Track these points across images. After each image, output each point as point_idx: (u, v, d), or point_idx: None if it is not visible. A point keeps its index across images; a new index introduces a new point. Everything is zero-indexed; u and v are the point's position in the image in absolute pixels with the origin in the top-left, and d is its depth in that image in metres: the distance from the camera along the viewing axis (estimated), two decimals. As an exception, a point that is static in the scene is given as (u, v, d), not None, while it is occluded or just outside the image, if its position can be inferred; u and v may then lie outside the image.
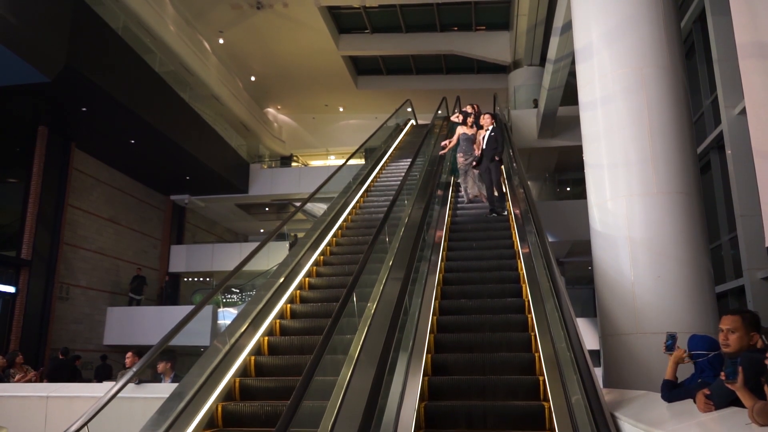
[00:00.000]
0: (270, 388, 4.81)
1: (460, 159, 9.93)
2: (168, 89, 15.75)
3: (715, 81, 10.16)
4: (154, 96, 15.04)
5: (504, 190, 9.47)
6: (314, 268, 7.36)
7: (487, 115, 9.54)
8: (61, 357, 11.03)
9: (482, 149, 9.28)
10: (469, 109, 12.06)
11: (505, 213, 8.92)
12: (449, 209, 9.43)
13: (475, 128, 9.97)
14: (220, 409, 4.53)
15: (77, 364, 11.41)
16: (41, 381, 9.13)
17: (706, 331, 5.43)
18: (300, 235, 8.36)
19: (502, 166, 9.57)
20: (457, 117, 11.48)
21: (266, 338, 5.59)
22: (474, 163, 9.56)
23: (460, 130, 10.07)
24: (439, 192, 9.74)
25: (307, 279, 7.00)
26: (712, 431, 2.56)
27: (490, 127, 9.30)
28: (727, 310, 2.87)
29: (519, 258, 6.97)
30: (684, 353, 3.26)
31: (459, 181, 10.24)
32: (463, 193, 10.09)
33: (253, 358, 5.22)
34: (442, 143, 10.83)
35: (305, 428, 3.37)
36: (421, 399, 4.34)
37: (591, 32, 6.84)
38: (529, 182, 9.37)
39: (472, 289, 6.44)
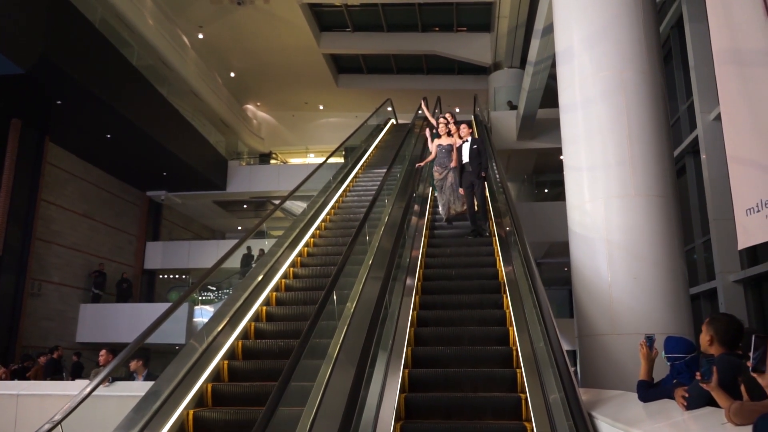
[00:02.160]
0: (244, 393, 4.73)
1: (437, 174, 8.95)
2: (146, 84, 15.52)
3: (692, 86, 10.35)
4: (131, 90, 14.81)
5: (488, 208, 8.68)
6: (291, 269, 7.29)
7: (463, 126, 8.60)
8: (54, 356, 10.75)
9: (463, 163, 8.37)
10: (442, 120, 10.70)
11: (488, 234, 8.13)
12: (426, 229, 8.49)
13: (452, 138, 8.96)
14: (191, 416, 4.44)
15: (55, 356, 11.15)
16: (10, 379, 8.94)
17: (680, 332, 5.52)
18: (278, 233, 8.28)
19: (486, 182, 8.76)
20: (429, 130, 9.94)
21: (240, 342, 5.48)
22: (451, 178, 8.66)
23: (436, 142, 9.05)
24: (416, 207, 8.79)
25: (283, 281, 6.93)
26: (689, 430, 2.60)
27: (469, 138, 8.41)
28: (712, 314, 2.92)
29: (505, 292, 6.11)
30: (656, 353, 3.30)
31: (436, 195, 9.26)
32: (440, 210, 9.04)
33: (226, 362, 5.12)
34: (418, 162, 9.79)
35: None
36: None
37: (572, 35, 6.91)
38: (508, 183, 9.16)
39: (450, 333, 5.54)
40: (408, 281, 6.18)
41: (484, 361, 4.99)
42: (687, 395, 2.69)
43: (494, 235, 7.80)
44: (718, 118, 9.00)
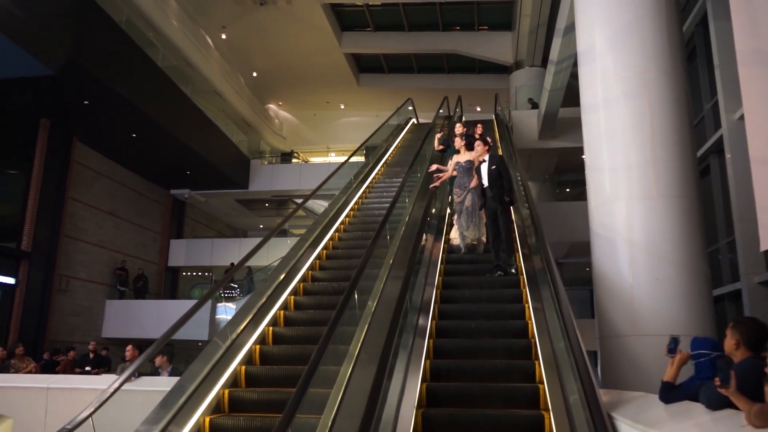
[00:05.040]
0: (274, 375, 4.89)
1: (456, 197, 7.72)
2: (170, 84, 15.76)
3: (716, 85, 10.22)
4: (156, 90, 15.06)
5: (513, 236, 7.20)
6: (316, 262, 7.40)
7: (478, 142, 7.27)
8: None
9: (484, 186, 7.05)
10: (459, 129, 9.24)
11: (514, 270, 6.72)
12: (441, 263, 7.06)
13: (472, 153, 7.61)
14: (227, 395, 4.59)
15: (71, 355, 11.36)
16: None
17: (703, 334, 5.48)
18: (300, 231, 8.37)
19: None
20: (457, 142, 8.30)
21: (270, 328, 5.65)
22: (469, 201, 7.46)
23: (454, 158, 7.90)
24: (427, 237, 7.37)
25: (305, 280, 7.03)
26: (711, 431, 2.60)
27: (486, 157, 7.06)
28: (737, 318, 2.90)
29: (537, 357, 4.73)
30: (688, 355, 3.30)
31: (454, 220, 7.90)
32: (457, 239, 7.71)
33: (258, 347, 5.27)
34: (434, 173, 8.33)
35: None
36: None
37: (594, 35, 6.89)
38: (528, 183, 8.81)
39: (469, 417, 4.20)
40: (416, 339, 5.01)
41: None
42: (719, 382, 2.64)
43: (521, 273, 6.45)
44: (743, 117, 8.90)
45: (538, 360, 4.60)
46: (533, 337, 5.09)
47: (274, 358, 5.27)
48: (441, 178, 8.14)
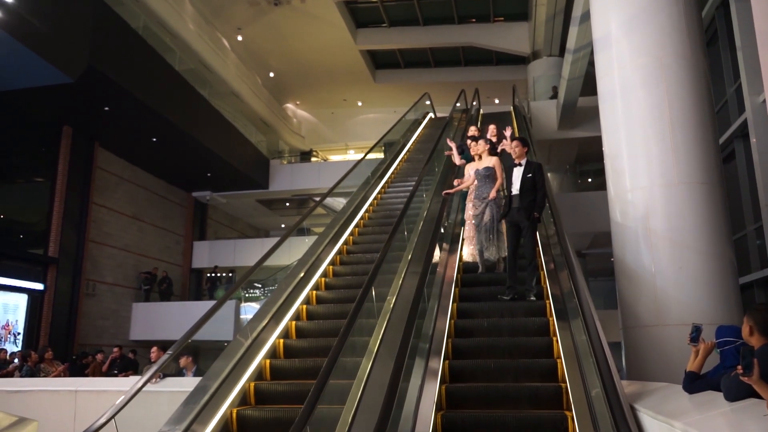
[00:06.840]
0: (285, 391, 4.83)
1: (472, 209, 6.71)
2: (188, 87, 15.92)
3: (739, 68, 10.01)
4: (174, 94, 15.21)
5: (538, 250, 6.33)
6: (331, 267, 7.38)
7: (516, 142, 6.05)
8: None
9: (512, 195, 5.97)
10: (472, 131, 8.47)
11: (533, 297, 5.72)
12: (455, 285, 6.12)
13: (492, 158, 6.72)
14: (252, 387, 4.63)
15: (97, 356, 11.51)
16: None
17: (729, 322, 5.37)
18: (320, 229, 8.39)
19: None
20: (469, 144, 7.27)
21: (282, 341, 5.57)
22: (489, 214, 6.55)
23: (471, 166, 6.88)
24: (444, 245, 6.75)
25: (324, 277, 7.03)
26: (736, 421, 2.54)
27: (523, 162, 5.95)
28: (753, 304, 2.83)
29: (569, 408, 3.96)
30: (713, 345, 3.22)
31: (464, 237, 6.88)
32: (470, 256, 6.74)
33: (268, 361, 5.21)
34: (445, 191, 7.49)
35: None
36: None
37: (610, 21, 6.78)
38: (549, 174, 8.58)
39: None
40: (428, 384, 4.29)
41: None
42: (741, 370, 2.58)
43: (548, 298, 5.56)
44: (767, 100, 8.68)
45: (571, 411, 3.88)
46: (563, 377, 4.38)
47: (289, 367, 5.19)
48: (457, 188, 7.38)
